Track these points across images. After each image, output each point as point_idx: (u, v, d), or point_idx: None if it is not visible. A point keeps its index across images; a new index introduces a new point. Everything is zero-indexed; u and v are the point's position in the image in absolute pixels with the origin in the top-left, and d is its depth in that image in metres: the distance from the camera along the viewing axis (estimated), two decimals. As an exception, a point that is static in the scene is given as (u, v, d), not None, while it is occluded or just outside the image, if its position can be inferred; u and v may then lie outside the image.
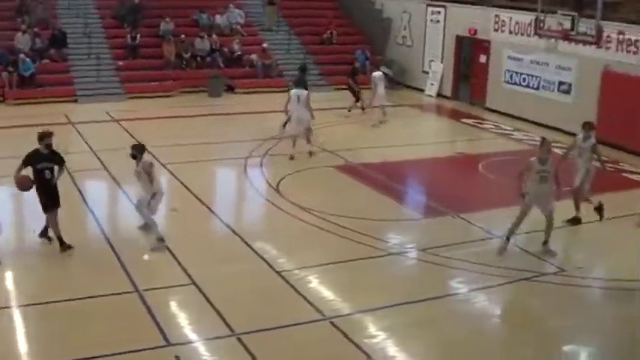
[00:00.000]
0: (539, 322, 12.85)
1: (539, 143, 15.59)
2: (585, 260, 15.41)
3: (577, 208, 17.04)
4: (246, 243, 15.13)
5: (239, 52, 32.83)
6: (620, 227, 16.85)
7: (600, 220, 16.69)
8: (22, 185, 14.45)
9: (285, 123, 22.20)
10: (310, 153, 21.38)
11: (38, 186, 14.36)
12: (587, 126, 17.23)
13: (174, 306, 12.62)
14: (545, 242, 15.31)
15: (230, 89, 31.39)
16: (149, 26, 32.96)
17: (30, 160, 14.29)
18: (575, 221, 16.92)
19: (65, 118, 25.29)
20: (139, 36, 31.94)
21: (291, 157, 21.01)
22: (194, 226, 16.22)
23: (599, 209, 16.73)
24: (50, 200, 14.44)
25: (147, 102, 28.81)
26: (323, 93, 30.49)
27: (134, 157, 15.03)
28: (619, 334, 12.58)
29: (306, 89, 22.07)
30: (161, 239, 14.85)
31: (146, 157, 15.15)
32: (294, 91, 21.76)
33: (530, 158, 15.26)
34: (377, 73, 27.06)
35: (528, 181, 15.08)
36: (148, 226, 15.31)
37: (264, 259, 14.34)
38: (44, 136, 14.41)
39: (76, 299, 12.59)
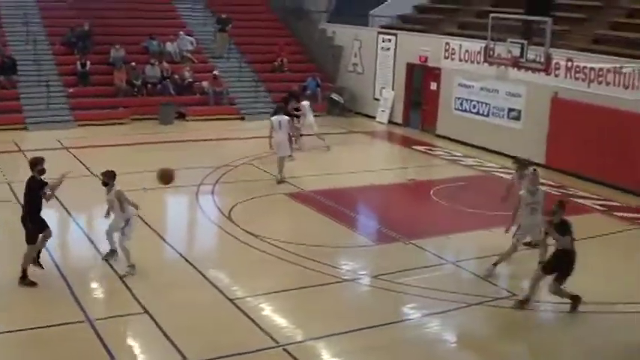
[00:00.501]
0: (491, 346, 12.95)
1: (530, 173, 15.78)
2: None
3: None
4: (198, 271, 15.03)
5: (190, 80, 32.75)
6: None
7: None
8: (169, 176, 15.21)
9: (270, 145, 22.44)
10: (280, 180, 21.63)
11: (36, 212, 14.07)
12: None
13: (126, 335, 12.51)
14: (496, 264, 15.42)
15: (181, 116, 31.27)
16: (99, 53, 32.73)
17: (35, 186, 13.95)
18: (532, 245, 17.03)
19: (15, 146, 25.02)
20: (89, 63, 31.71)
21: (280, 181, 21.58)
22: (146, 255, 16.02)
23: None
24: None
25: (98, 129, 28.60)
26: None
27: (105, 184, 14.91)
28: (570, 357, 12.71)
29: (288, 116, 22.61)
30: (132, 266, 14.70)
31: (117, 184, 15.02)
32: (275, 118, 22.10)
33: (520, 192, 15.47)
34: (305, 103, 27.13)
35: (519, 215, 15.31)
36: (113, 254, 15.22)
37: (217, 287, 14.26)
38: (37, 163, 14.10)
39: (27, 329, 12.39)
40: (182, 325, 12.65)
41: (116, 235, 15.04)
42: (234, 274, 15.18)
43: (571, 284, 14.97)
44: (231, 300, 13.72)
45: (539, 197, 15.39)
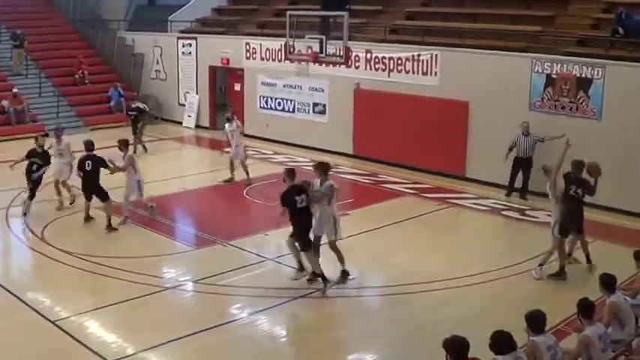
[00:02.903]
0: (321, 335, 13.23)
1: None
2: (356, 271, 15.93)
3: None
4: (15, 296, 14.52)
5: (-12, 100, 31.62)
6: (388, 236, 17.74)
7: None
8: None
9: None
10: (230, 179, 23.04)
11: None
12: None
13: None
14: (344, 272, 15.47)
15: (-18, 138, 30.15)
16: None
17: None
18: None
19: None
20: None
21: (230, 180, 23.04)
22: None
23: None
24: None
25: None
26: (79, 134, 29.91)
27: (120, 149, 19.08)
28: (394, 335, 13.11)
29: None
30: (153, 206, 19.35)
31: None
32: (227, 128, 23.28)
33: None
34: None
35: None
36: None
37: (36, 311, 13.83)
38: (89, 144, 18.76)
39: None
40: (3, 353, 12.22)
41: (132, 197, 18.89)
42: (55, 295, 14.76)
43: (392, 265, 15.60)
44: (53, 322, 13.35)
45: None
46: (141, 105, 33.17)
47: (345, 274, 15.26)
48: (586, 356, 9.85)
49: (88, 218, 19.02)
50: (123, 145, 19.27)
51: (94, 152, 18.82)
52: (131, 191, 19.16)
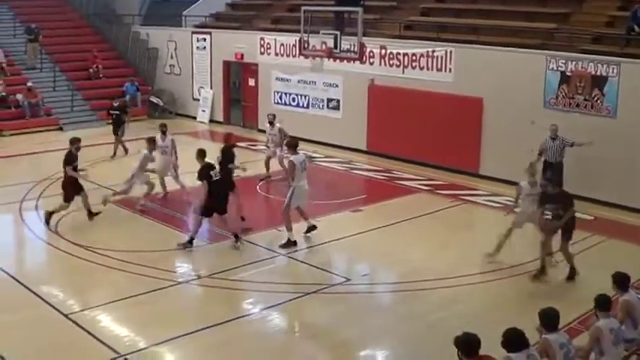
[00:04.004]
0: (332, 331, 13.20)
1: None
2: (369, 267, 15.93)
3: None
4: (30, 289, 14.56)
5: (3, 93, 31.58)
6: (400, 232, 17.75)
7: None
8: None
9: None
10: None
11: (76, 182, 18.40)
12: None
13: (-42, 363, 12.05)
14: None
15: (-3, 132, 30.31)
16: None
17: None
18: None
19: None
20: None
21: None
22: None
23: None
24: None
25: None
26: (94, 129, 30.07)
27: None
28: (405, 332, 13.10)
29: None
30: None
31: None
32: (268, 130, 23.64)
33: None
34: None
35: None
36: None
37: (50, 304, 13.88)
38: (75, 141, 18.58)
39: None
40: (16, 347, 12.23)
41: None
42: (68, 289, 14.84)
43: (404, 261, 15.61)
44: (66, 315, 13.40)
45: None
46: (155, 99, 33.38)
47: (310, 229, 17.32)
48: (598, 350, 9.84)
49: (91, 214, 18.99)
50: (150, 142, 19.93)
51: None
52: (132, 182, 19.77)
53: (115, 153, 26.38)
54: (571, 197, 15.04)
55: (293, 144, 17.57)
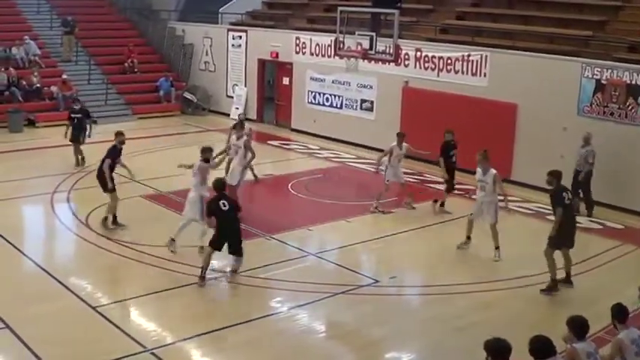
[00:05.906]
0: (359, 333, 13.19)
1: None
2: (397, 270, 15.89)
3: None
4: (59, 281, 14.66)
5: (38, 85, 31.83)
6: (430, 236, 17.69)
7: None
8: None
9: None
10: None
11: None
12: None
13: (-12, 352, 12.14)
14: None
15: (31, 123, 30.44)
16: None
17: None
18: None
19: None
20: None
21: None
22: (3, 268, 15.58)
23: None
24: None
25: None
26: (127, 122, 30.18)
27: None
28: (433, 335, 13.08)
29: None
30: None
31: None
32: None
33: None
34: None
35: None
36: None
37: (79, 296, 13.95)
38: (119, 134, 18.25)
39: None
40: (45, 337, 12.30)
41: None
42: (96, 282, 14.92)
43: (433, 265, 15.53)
44: (94, 308, 13.47)
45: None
46: (189, 95, 33.49)
47: None
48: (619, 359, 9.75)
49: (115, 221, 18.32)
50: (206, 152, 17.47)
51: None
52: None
53: (77, 162, 23.91)
54: (559, 198, 14.77)
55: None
